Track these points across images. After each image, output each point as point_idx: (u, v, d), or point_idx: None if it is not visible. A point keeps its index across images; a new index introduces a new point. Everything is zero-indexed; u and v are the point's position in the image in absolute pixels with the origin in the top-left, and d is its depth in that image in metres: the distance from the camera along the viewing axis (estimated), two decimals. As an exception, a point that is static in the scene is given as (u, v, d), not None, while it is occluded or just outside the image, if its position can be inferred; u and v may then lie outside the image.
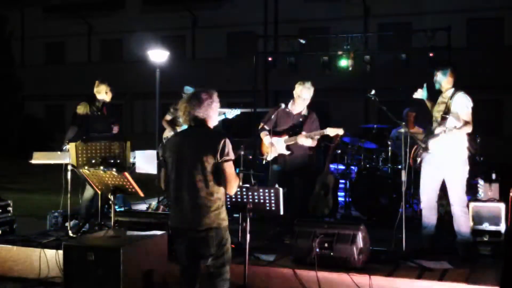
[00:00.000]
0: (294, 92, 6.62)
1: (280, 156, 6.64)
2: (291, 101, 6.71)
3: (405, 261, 5.40)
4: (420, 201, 6.17)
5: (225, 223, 4.04)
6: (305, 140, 6.46)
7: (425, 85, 6.13)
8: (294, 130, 6.58)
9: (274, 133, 6.61)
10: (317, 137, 6.51)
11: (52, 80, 26.06)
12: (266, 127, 6.70)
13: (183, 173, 3.96)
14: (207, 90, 4.04)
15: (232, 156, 3.95)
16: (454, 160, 5.72)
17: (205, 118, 4.02)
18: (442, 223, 6.49)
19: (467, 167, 5.80)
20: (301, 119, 6.63)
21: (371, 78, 12.22)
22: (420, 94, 6.09)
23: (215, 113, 4.08)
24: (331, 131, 6.34)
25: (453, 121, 5.66)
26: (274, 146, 6.58)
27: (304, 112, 6.68)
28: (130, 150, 6.49)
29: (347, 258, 5.11)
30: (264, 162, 6.75)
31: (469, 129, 5.66)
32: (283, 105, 6.77)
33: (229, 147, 3.96)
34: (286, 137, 6.60)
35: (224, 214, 4.03)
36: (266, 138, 6.69)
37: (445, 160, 5.73)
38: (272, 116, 6.63)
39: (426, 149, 5.77)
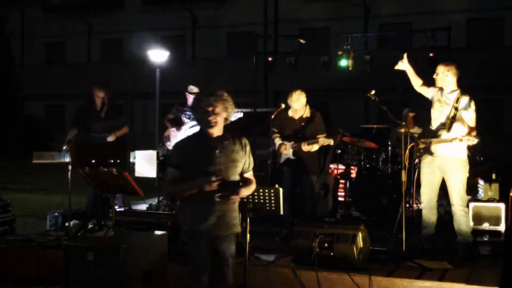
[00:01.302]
0: (288, 101, 6.74)
1: (289, 159, 6.78)
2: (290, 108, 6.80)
3: (405, 261, 5.40)
4: (420, 200, 6.16)
5: (185, 227, 3.90)
6: (308, 147, 6.56)
7: (405, 55, 6.03)
8: (298, 135, 6.70)
9: (283, 137, 6.82)
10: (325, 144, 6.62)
11: (52, 80, 26.06)
12: (275, 129, 6.91)
13: None
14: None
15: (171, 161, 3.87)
16: (456, 160, 5.70)
17: None
18: (442, 223, 6.49)
19: (468, 167, 5.79)
20: (303, 123, 6.73)
21: (371, 78, 12.23)
22: (402, 65, 6.01)
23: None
24: (323, 141, 6.46)
25: (459, 126, 5.66)
26: (285, 149, 6.73)
27: (307, 114, 6.76)
28: (130, 150, 6.49)
29: (347, 258, 5.11)
30: (277, 165, 6.87)
31: (474, 133, 5.65)
32: (283, 105, 6.85)
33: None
34: (292, 142, 6.72)
35: (187, 218, 3.87)
36: (276, 140, 6.88)
37: (446, 160, 5.71)
38: (280, 118, 6.82)
39: (431, 153, 5.72)
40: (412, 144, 5.85)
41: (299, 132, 6.70)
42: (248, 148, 3.97)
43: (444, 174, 5.77)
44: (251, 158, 4.00)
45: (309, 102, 6.82)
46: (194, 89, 8.40)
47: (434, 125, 5.82)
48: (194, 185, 3.74)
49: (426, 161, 5.83)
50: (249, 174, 4.00)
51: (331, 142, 6.49)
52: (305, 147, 6.55)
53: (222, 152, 3.82)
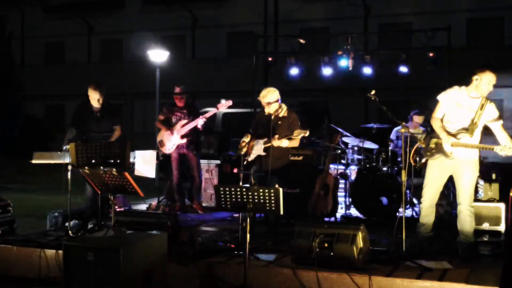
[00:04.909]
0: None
1: (259, 157, 6.73)
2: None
3: (405, 261, 5.40)
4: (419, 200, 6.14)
5: None
6: (280, 142, 6.52)
7: None
8: (271, 133, 6.62)
9: (257, 135, 6.77)
10: (299, 137, 6.55)
11: (52, 80, 26.06)
12: (250, 129, 6.90)
13: None
14: None
15: None
16: (469, 161, 5.67)
17: None
18: (442, 223, 6.48)
19: (478, 168, 5.78)
20: (279, 122, 6.68)
21: (371, 78, 12.22)
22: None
23: None
24: (297, 133, 6.40)
25: (479, 132, 5.70)
26: (254, 147, 6.72)
27: (282, 113, 6.73)
28: (130, 150, 6.48)
29: (347, 258, 5.11)
30: (245, 162, 6.80)
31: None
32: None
33: None
34: (266, 139, 6.66)
35: None
36: (243, 138, 6.86)
37: (459, 160, 5.66)
38: (257, 117, 6.83)
39: (448, 155, 5.68)
40: (420, 143, 5.85)
41: (273, 129, 6.61)
42: None
43: (455, 174, 5.73)
44: None
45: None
46: (176, 89, 8.20)
47: (452, 128, 5.73)
48: None
49: (437, 159, 5.78)
50: None
51: (306, 133, 6.39)
52: (276, 142, 6.51)
53: None
